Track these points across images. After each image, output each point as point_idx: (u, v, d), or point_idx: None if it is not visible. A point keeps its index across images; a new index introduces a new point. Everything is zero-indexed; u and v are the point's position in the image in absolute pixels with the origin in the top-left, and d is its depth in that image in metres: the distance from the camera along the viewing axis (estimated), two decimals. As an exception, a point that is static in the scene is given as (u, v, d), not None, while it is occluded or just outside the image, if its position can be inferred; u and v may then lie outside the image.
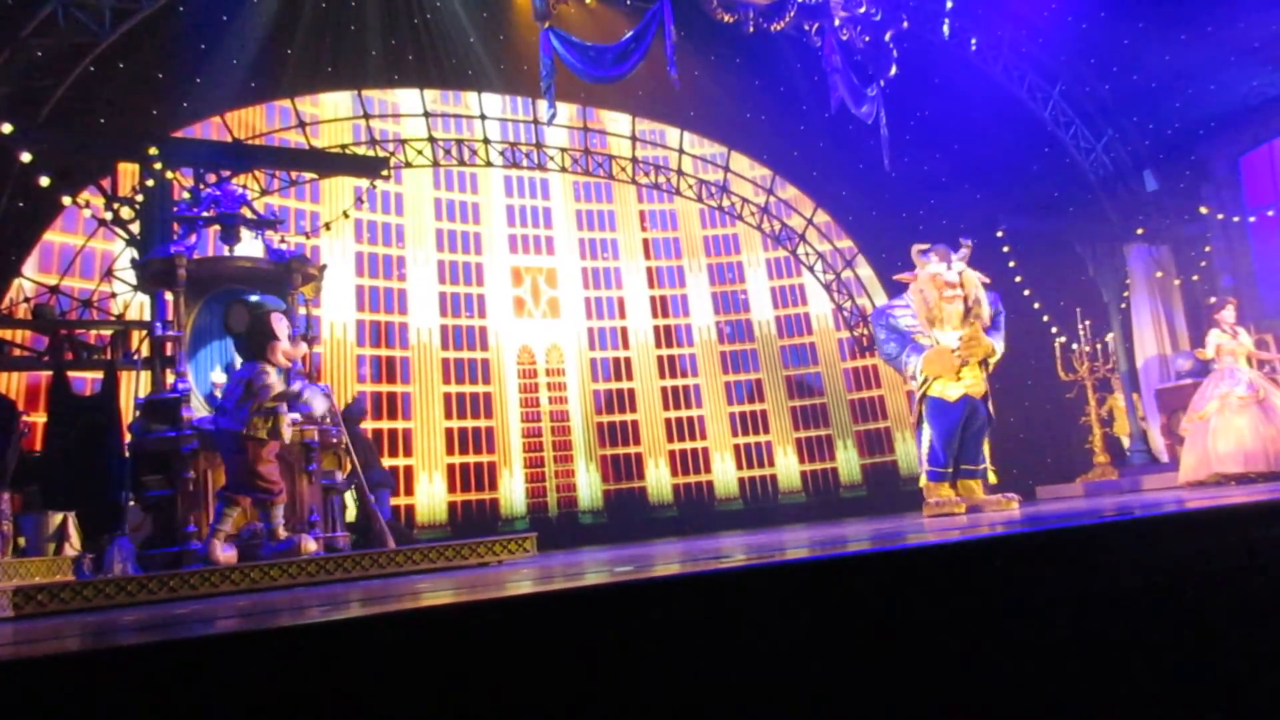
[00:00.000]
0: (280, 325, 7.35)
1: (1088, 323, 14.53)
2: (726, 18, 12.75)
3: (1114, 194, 15.77)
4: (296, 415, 7.41)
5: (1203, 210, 15.24)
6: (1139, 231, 15.48)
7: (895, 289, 9.88)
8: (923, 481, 8.34)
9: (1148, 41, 14.08)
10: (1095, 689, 2.56)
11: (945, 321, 8.24)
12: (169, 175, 12.01)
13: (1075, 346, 14.56)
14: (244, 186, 12.93)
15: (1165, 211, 15.46)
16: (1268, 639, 2.80)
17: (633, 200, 21.71)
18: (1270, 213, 14.92)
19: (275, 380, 7.05)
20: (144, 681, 1.80)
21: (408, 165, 18.22)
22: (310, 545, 6.92)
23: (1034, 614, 2.61)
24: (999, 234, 15.74)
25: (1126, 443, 15.15)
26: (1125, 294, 15.84)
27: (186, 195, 11.79)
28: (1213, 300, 10.40)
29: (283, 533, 7.03)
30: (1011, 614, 2.59)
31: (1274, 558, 3.00)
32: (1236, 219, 15.14)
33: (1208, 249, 15.29)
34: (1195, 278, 15.18)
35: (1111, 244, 16.05)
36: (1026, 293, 15.13)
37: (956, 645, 2.46)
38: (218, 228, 9.10)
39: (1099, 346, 14.57)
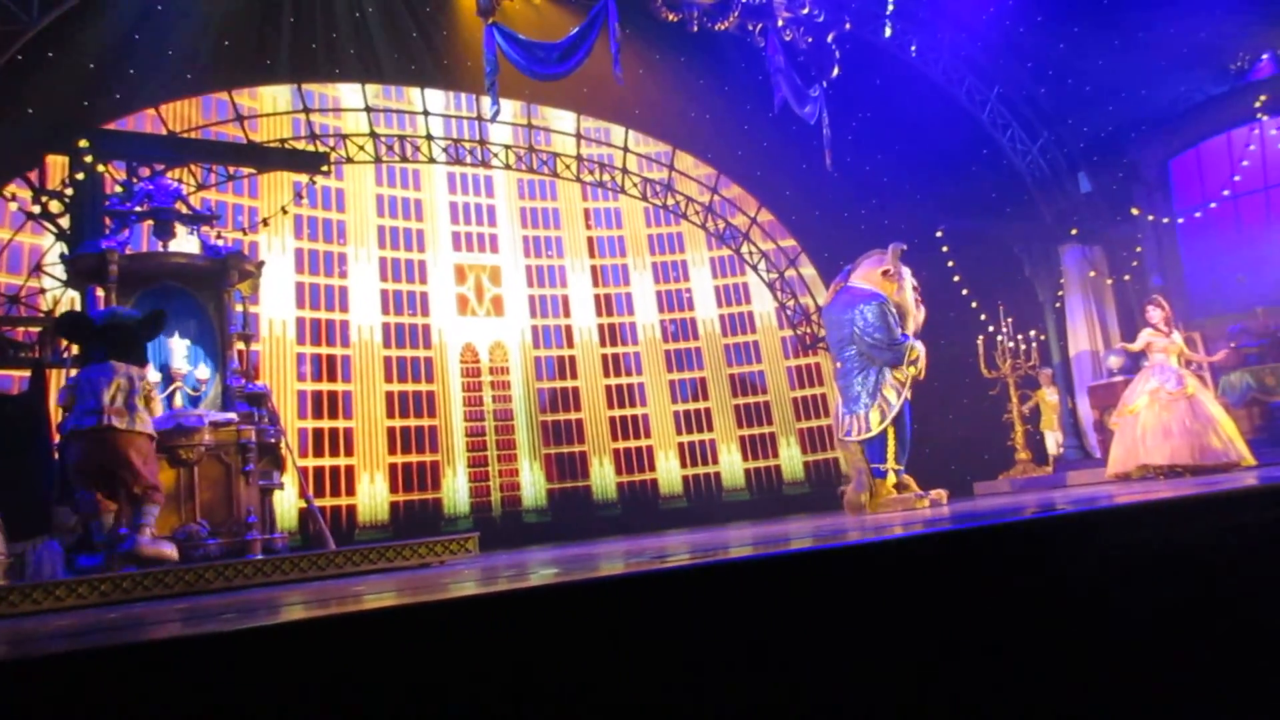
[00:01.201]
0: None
1: (1010, 319, 14.73)
2: (671, 17, 12.79)
3: (1049, 195, 16.13)
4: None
5: (1134, 212, 15.65)
6: (1073, 232, 15.85)
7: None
8: (892, 480, 8.38)
9: (1082, 47, 14.41)
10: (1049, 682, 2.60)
11: (912, 320, 8.51)
12: (100, 168, 11.71)
13: (999, 343, 14.71)
14: (179, 181, 12.67)
15: (1098, 213, 15.85)
16: (1187, 635, 2.87)
17: (577, 198, 21.66)
18: (1198, 214, 15.36)
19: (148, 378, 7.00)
20: (72, 692, 1.74)
21: (349, 161, 17.97)
22: (170, 553, 6.76)
23: (978, 608, 2.65)
24: (938, 234, 16.02)
25: (1050, 439, 15.32)
26: (1060, 293, 16.21)
27: (119, 189, 11.48)
28: (1157, 299, 10.58)
29: (150, 532, 6.85)
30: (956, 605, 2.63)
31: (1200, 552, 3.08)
32: (1166, 220, 15.57)
33: (1138, 249, 15.70)
34: (1127, 277, 15.58)
35: (1047, 244, 16.42)
36: (965, 292, 15.40)
37: (931, 637, 2.49)
38: (151, 223, 8.90)
39: (1022, 343, 14.72)
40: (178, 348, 8.32)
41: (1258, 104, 14.44)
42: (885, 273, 8.65)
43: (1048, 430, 15.27)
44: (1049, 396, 15.25)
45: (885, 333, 8.28)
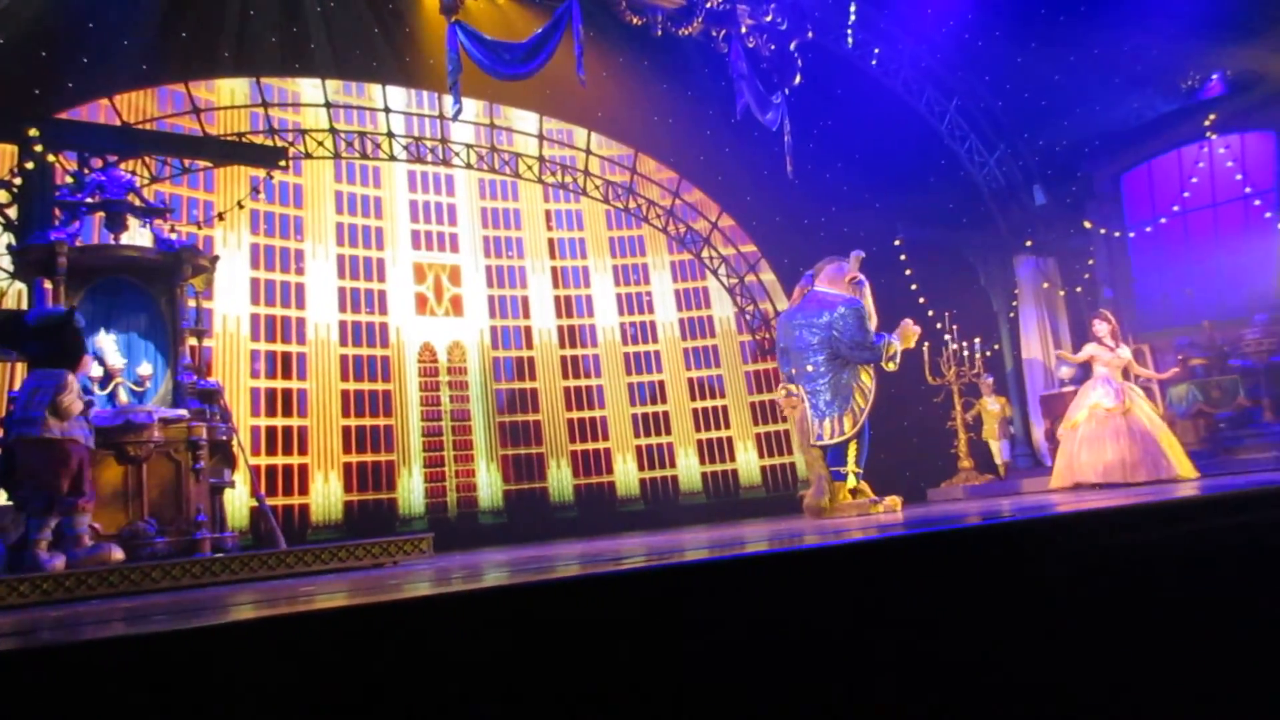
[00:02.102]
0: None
1: (955, 327, 14.86)
2: (635, 20, 12.82)
3: (1005, 207, 16.37)
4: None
5: (1086, 225, 15.94)
6: (1027, 244, 16.11)
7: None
8: (853, 483, 8.47)
9: (1039, 62, 14.66)
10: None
11: (873, 323, 8.67)
12: (50, 158, 11.45)
13: (943, 350, 14.79)
14: (132, 172, 12.42)
15: (1052, 225, 16.12)
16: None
17: (539, 199, 21.57)
18: (1149, 229, 15.69)
19: (77, 390, 6.85)
20: (10, 690, 1.70)
21: (307, 156, 17.77)
22: (117, 555, 6.69)
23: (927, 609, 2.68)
24: (897, 242, 16.20)
25: (994, 447, 15.43)
26: (1014, 303, 16.45)
27: (69, 180, 11.24)
28: (1103, 313, 10.70)
29: (87, 540, 6.77)
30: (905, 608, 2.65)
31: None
32: (1118, 234, 15.88)
33: (1091, 262, 15.99)
34: (1079, 289, 15.86)
35: (1002, 255, 16.67)
36: (922, 300, 15.58)
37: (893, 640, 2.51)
38: (103, 215, 8.75)
39: (966, 350, 14.81)
40: (106, 343, 8.15)
41: (1207, 122, 14.78)
42: (852, 279, 8.80)
43: (990, 439, 15.37)
44: (990, 405, 15.28)
45: (865, 335, 8.45)
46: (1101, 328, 10.35)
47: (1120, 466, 9.45)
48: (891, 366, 8.58)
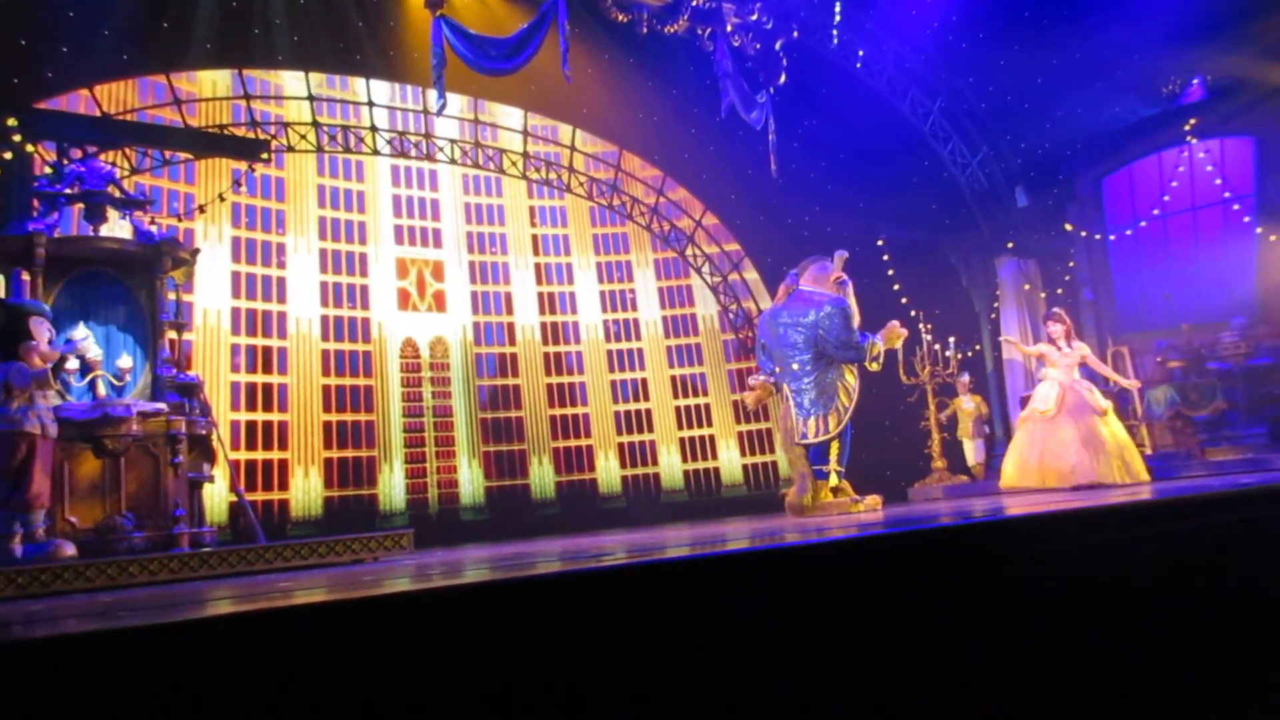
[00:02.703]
0: (40, 329, 7.19)
1: (929, 326, 14.90)
2: (621, 18, 12.81)
3: (987, 209, 16.45)
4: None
5: (1067, 227, 16.04)
6: (1009, 245, 16.19)
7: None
8: (834, 482, 8.50)
9: (1022, 65, 14.73)
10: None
11: (857, 322, 8.71)
12: (29, 148, 11.32)
13: (919, 350, 14.81)
14: (112, 164, 12.34)
15: (1033, 227, 16.21)
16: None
17: (523, 195, 21.52)
18: (1129, 232, 15.81)
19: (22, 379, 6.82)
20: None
21: (290, 150, 17.67)
22: (68, 551, 6.66)
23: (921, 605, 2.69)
24: (879, 243, 16.25)
25: (968, 446, 15.45)
26: (996, 304, 16.54)
27: (48, 170, 11.12)
28: (1057, 313, 10.58)
29: (41, 535, 6.73)
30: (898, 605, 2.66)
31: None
32: (1099, 237, 16.00)
33: (1071, 264, 16.09)
34: (1059, 291, 15.96)
35: (984, 256, 16.75)
36: (904, 300, 15.63)
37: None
38: (82, 206, 8.67)
39: (943, 351, 14.84)
40: (86, 336, 8.08)
41: (1187, 127, 14.91)
42: (836, 279, 8.84)
43: (964, 438, 15.38)
44: (965, 404, 15.30)
45: (850, 334, 8.50)
46: (1056, 329, 10.21)
47: (1038, 474, 9.39)
48: (875, 367, 8.63)
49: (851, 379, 8.67)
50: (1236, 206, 14.80)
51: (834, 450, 8.56)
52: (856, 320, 8.69)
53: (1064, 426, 9.51)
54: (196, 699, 1.79)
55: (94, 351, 7.94)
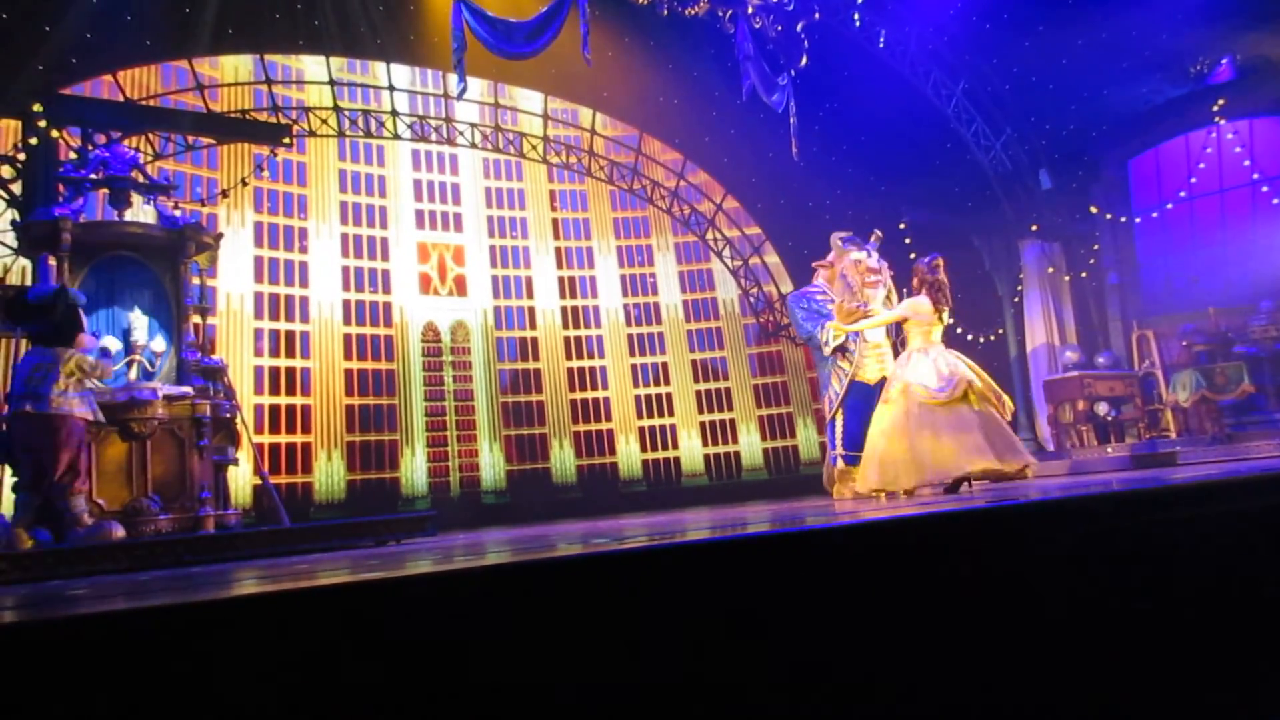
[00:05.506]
0: (84, 318, 7.25)
1: (951, 309, 14.77)
2: (641, 0, 12.74)
3: (1011, 191, 16.29)
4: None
5: (1092, 210, 15.86)
6: (1033, 228, 16.02)
7: (802, 277, 10.12)
8: (840, 466, 8.54)
9: (1046, 46, 14.53)
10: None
11: (855, 299, 8.68)
12: (54, 134, 11.42)
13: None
14: (136, 149, 12.40)
15: (1058, 210, 16.03)
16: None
17: (543, 179, 21.52)
18: (1155, 215, 15.61)
19: (80, 366, 6.89)
20: (21, 662, 1.72)
21: (311, 134, 17.73)
22: (119, 533, 6.72)
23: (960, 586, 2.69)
24: (901, 226, 16.13)
25: None
26: (1019, 288, 16.40)
27: (73, 156, 11.21)
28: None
29: (87, 519, 6.80)
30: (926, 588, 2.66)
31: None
32: (1124, 219, 15.81)
33: (1096, 247, 15.92)
34: (1084, 274, 15.80)
35: (1007, 239, 16.60)
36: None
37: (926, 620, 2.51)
38: (106, 191, 8.74)
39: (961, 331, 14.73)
40: (137, 321, 8.21)
41: (1215, 107, 14.68)
42: (826, 264, 9.04)
43: None
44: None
45: (799, 326, 8.83)
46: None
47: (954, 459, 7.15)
48: (828, 351, 8.72)
49: (845, 365, 8.72)
50: (1265, 188, 14.60)
51: (839, 434, 8.68)
52: (893, 300, 8.76)
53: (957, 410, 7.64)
54: (224, 678, 1.81)
55: (140, 336, 8.07)
